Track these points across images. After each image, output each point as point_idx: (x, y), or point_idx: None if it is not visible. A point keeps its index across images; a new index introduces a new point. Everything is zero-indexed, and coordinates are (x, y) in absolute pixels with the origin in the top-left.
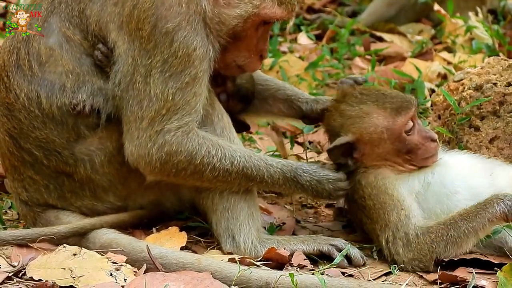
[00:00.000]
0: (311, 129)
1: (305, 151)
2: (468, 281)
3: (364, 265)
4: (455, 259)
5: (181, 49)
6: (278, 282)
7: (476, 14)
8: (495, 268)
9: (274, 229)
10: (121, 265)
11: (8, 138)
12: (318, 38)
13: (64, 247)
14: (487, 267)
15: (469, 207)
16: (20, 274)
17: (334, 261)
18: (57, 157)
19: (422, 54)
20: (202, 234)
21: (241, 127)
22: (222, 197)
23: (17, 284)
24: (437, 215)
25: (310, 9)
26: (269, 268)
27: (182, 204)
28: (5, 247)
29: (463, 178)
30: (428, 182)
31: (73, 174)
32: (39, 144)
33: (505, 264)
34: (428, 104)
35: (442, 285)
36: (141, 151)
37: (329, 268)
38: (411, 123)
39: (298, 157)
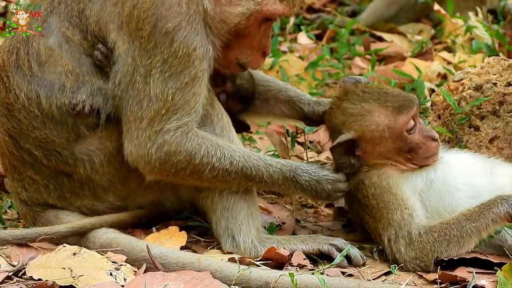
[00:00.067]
0: (312, 129)
1: (305, 151)
2: (468, 281)
3: (364, 264)
4: (455, 258)
5: (181, 49)
6: (278, 282)
7: (476, 14)
8: (495, 267)
9: (274, 228)
10: (121, 265)
11: (8, 138)
12: (318, 37)
13: (64, 246)
14: (487, 267)
15: (472, 208)
16: (20, 274)
17: (334, 261)
18: (56, 157)
19: (422, 54)
20: (202, 234)
21: (241, 127)
22: (221, 197)
23: (17, 283)
24: (439, 213)
25: (310, 9)
26: (269, 268)
27: (181, 203)
28: (5, 247)
29: (464, 176)
30: (431, 180)
31: (73, 174)
32: (38, 144)
33: (504, 263)
34: (428, 104)
35: (442, 285)
36: (140, 151)
37: (329, 267)
38: (412, 122)
39: (298, 157)
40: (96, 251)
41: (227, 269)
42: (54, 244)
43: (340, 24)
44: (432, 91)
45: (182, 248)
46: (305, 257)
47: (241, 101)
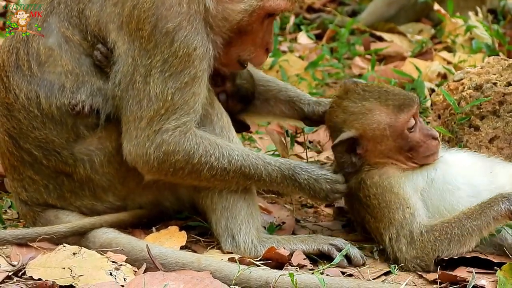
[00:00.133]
0: (311, 129)
1: (305, 151)
2: (468, 281)
3: (363, 264)
4: (455, 257)
5: (181, 49)
6: (277, 282)
7: (476, 14)
8: (495, 267)
9: (273, 228)
10: (121, 265)
11: (8, 138)
12: (318, 37)
13: (64, 246)
14: (487, 267)
15: (473, 206)
16: (20, 274)
17: (334, 260)
18: (56, 157)
19: (422, 53)
20: (202, 234)
21: (241, 127)
22: (221, 197)
23: (17, 283)
24: (440, 212)
25: (310, 9)
26: (268, 268)
27: (181, 203)
28: (5, 247)
29: (464, 175)
30: (432, 179)
31: (73, 174)
32: (38, 144)
33: (504, 263)
34: (428, 103)
35: (442, 285)
36: (139, 150)
37: (329, 267)
38: (413, 121)
39: (298, 157)
40: (96, 251)
41: (227, 269)
42: (54, 244)
43: (340, 24)
44: (432, 91)
45: (182, 248)
46: (305, 257)
47: (241, 101)
